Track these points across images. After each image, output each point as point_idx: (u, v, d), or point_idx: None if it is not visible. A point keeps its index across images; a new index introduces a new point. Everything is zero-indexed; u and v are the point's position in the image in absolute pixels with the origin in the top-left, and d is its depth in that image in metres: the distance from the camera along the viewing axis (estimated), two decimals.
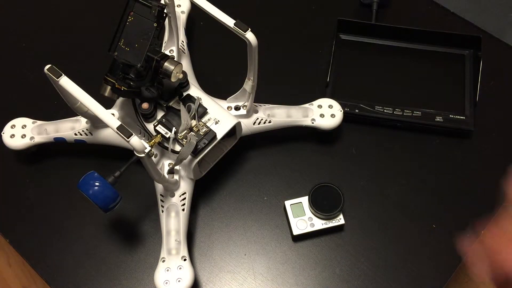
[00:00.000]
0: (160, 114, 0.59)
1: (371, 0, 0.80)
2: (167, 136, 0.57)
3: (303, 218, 0.63)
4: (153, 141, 0.56)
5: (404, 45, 0.76)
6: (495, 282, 0.47)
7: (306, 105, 0.68)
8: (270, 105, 0.67)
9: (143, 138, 0.61)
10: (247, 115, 0.64)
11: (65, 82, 0.50)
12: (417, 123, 0.70)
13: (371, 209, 0.66)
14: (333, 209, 0.62)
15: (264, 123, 0.65)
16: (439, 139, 0.71)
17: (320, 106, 0.67)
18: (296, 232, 0.62)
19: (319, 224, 0.62)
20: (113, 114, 0.60)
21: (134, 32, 0.54)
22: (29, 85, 0.76)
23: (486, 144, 0.70)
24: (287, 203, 0.63)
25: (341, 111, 0.67)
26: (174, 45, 0.68)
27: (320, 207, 0.62)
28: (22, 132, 0.65)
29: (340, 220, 0.62)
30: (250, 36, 0.52)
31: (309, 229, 0.62)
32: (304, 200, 0.63)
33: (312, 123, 0.66)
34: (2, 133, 0.66)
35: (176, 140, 0.58)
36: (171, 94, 0.59)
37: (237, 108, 0.64)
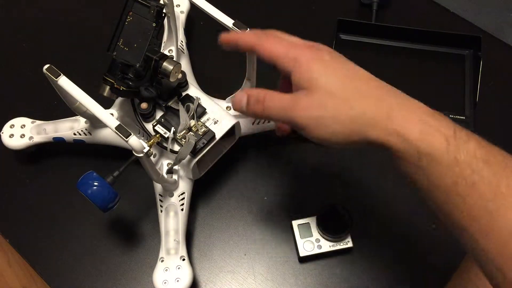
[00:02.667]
0: (159, 114, 0.59)
1: (371, 0, 0.79)
2: (166, 136, 0.57)
3: (310, 239, 0.61)
4: (152, 141, 0.56)
5: (404, 45, 0.76)
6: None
7: None
8: None
9: (142, 138, 0.61)
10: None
11: (64, 82, 0.50)
12: None
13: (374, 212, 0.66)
14: (341, 232, 0.60)
15: (263, 123, 0.65)
16: None
17: None
18: (302, 253, 0.61)
19: (327, 246, 0.61)
20: (112, 114, 0.60)
21: (133, 32, 0.54)
22: (28, 85, 0.76)
23: None
24: (295, 223, 0.62)
25: None
26: (173, 45, 0.68)
27: (328, 229, 0.60)
28: (21, 132, 0.65)
29: (348, 242, 0.61)
30: None
31: (316, 250, 0.61)
32: (312, 220, 0.62)
33: None
34: (1, 133, 0.66)
35: (175, 140, 0.58)
36: (170, 94, 0.59)
37: None
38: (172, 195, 0.60)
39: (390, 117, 0.39)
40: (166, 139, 0.57)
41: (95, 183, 0.51)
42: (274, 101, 0.44)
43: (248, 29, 0.51)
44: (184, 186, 0.61)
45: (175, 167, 0.59)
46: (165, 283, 0.56)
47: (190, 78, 0.67)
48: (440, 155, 0.37)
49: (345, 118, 0.40)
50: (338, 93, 0.41)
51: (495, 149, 0.39)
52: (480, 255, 0.37)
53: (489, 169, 0.37)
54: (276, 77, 0.75)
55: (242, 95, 0.46)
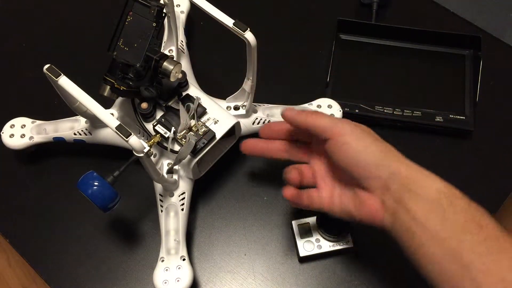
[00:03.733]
0: (159, 114, 0.59)
1: (371, 0, 0.80)
2: (166, 136, 0.57)
3: (310, 239, 0.61)
4: (152, 141, 0.56)
5: (404, 45, 0.76)
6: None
7: (305, 105, 0.68)
8: (270, 105, 0.67)
9: (142, 138, 0.61)
10: (247, 115, 0.64)
11: (64, 81, 0.50)
12: (417, 123, 0.69)
13: None
14: (341, 232, 0.60)
15: (264, 123, 0.65)
16: (439, 139, 0.70)
17: (319, 106, 0.67)
18: (302, 253, 0.61)
19: (327, 246, 0.61)
20: (112, 114, 0.60)
21: (133, 31, 0.54)
22: (28, 85, 0.76)
23: (486, 144, 0.70)
24: (295, 223, 0.62)
25: (340, 111, 0.67)
26: (174, 45, 0.68)
27: (328, 229, 0.60)
28: (22, 132, 0.65)
29: (348, 242, 0.61)
30: (249, 36, 0.52)
31: (316, 250, 0.61)
32: (312, 220, 0.62)
33: None
34: (1, 133, 0.66)
35: (175, 140, 0.58)
36: (170, 94, 0.59)
37: (236, 108, 0.64)
38: (172, 195, 0.60)
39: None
40: (167, 139, 0.57)
41: (95, 183, 0.51)
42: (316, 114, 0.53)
43: (248, 29, 0.51)
44: (184, 186, 0.61)
45: (175, 167, 0.59)
46: (165, 283, 0.56)
47: (190, 78, 0.67)
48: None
49: (378, 148, 0.50)
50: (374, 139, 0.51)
51: None
52: None
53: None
54: (277, 78, 0.75)
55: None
